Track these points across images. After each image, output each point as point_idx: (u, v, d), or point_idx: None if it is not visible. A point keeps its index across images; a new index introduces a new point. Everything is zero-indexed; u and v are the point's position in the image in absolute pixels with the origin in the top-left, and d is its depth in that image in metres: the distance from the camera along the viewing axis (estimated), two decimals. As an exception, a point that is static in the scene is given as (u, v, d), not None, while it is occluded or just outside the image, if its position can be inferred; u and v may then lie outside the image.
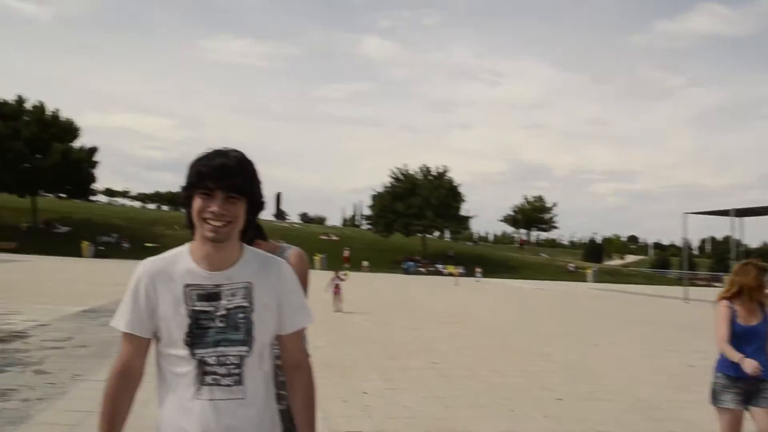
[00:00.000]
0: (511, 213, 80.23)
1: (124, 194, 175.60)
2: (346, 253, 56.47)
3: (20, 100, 52.99)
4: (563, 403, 7.28)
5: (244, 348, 1.80)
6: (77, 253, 45.58)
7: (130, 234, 55.38)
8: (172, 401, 1.83)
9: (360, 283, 31.32)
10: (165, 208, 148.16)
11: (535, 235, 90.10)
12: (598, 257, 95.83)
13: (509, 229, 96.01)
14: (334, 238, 66.99)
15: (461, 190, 63.95)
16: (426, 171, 64.36)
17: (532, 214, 77.20)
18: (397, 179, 64.54)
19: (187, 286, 1.80)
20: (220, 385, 1.79)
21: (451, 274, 48.65)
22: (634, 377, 9.27)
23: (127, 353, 1.89)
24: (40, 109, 53.07)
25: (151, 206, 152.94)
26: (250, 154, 1.85)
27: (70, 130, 54.00)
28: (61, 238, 51.06)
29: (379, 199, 63.79)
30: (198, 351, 1.78)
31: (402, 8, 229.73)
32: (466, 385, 7.97)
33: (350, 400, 6.83)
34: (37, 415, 5.58)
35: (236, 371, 1.80)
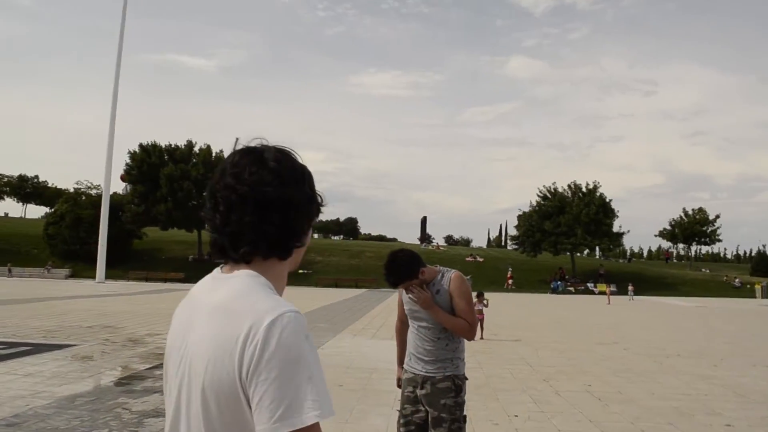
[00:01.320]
0: (668, 227, 75.34)
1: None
2: (509, 274, 55.96)
3: (190, 144, 57.96)
4: (732, 430, 6.70)
5: None
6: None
7: (284, 261, 58.20)
8: None
9: (507, 304, 30.78)
10: (316, 236, 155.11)
11: (695, 249, 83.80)
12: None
13: (665, 245, 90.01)
14: (480, 259, 66.46)
15: (613, 205, 61.18)
16: (575, 188, 62.34)
17: (692, 228, 71.88)
18: (545, 198, 63.03)
19: None
20: None
21: (602, 293, 46.52)
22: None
23: None
24: (206, 151, 57.75)
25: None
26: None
27: (225, 169, 58.11)
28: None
29: (525, 219, 62.58)
30: None
31: (547, 26, 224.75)
32: (623, 410, 7.56)
33: (500, 423, 6.71)
34: None
35: None
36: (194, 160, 56.72)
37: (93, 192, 59.83)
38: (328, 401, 1.18)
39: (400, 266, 3.72)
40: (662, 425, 6.79)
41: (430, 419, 3.82)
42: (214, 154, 57.32)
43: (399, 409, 4.00)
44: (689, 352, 13.45)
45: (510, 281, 55.53)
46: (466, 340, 3.96)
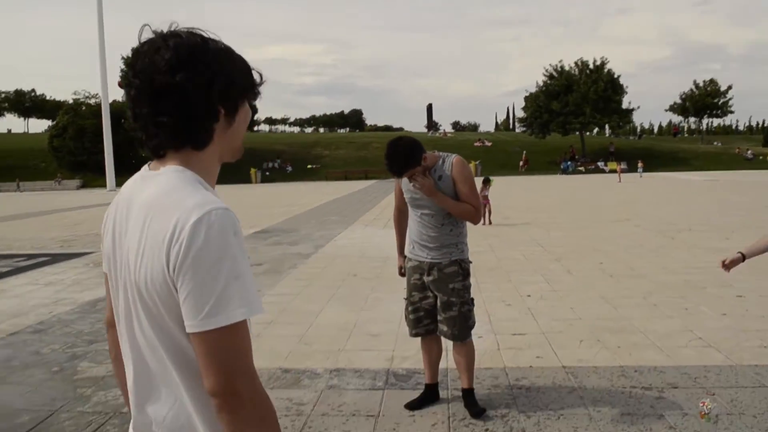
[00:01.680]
0: (679, 101, 73.86)
1: (283, 121, 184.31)
2: (525, 156, 55.67)
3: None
4: (744, 301, 6.76)
5: None
6: (246, 179, 48.81)
7: (292, 158, 58.21)
8: None
9: (517, 187, 30.81)
10: (321, 130, 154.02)
11: (707, 122, 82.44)
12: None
13: (676, 119, 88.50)
14: (488, 143, 66.03)
15: (622, 81, 59.72)
16: (582, 65, 60.68)
17: (704, 100, 70.33)
18: (551, 77, 61.55)
19: None
20: None
21: (613, 171, 46.38)
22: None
23: None
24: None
25: (309, 130, 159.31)
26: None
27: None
28: (230, 167, 53.85)
29: (532, 100, 61.47)
30: None
31: None
32: (635, 285, 7.64)
33: (513, 304, 6.80)
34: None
35: None
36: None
37: (92, 101, 59.08)
38: (257, 299, 1.17)
39: (403, 154, 3.63)
40: (674, 298, 6.87)
41: (439, 304, 3.85)
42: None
43: (406, 297, 4.01)
44: (701, 226, 13.48)
45: (525, 164, 55.19)
46: (469, 225, 3.96)
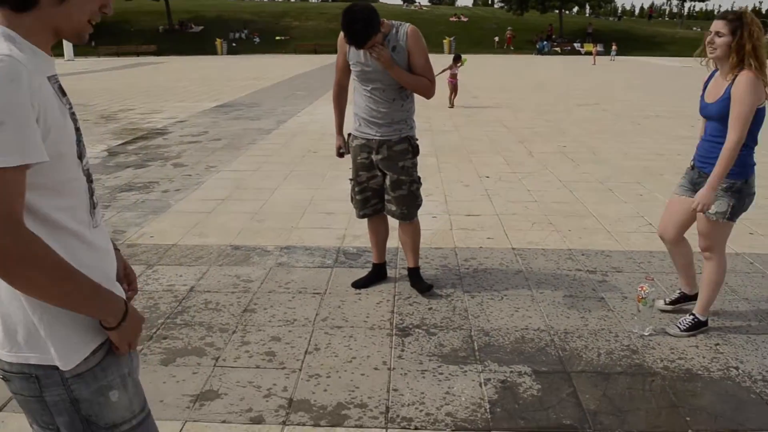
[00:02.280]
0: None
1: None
2: (509, 33, 53.82)
3: None
4: (700, 186, 6.82)
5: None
6: (212, 51, 46.96)
7: (260, 28, 55.91)
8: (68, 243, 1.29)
9: (490, 66, 30.21)
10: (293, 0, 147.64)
11: (688, 6, 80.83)
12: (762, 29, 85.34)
13: (659, 1, 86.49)
14: (464, 19, 63.96)
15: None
16: (567, -63, 57.96)
17: (687, -19, 68.42)
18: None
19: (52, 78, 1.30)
20: (98, 204, 1.43)
21: (589, 53, 45.60)
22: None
23: None
24: None
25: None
26: None
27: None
28: (195, 37, 52.55)
29: (512, -26, 59.08)
30: (84, 162, 1.36)
31: None
32: (594, 170, 7.64)
33: (471, 185, 6.78)
34: (175, 204, 6.03)
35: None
36: None
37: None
38: (25, 147, 1.12)
39: (363, 22, 3.35)
40: (630, 184, 6.90)
41: (388, 183, 3.75)
42: None
43: (352, 177, 3.90)
44: (669, 113, 13.43)
45: (509, 41, 53.61)
46: (428, 102, 3.84)
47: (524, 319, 3.59)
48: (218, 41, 47.87)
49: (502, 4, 62.64)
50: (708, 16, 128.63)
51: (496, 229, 5.24)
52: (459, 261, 4.51)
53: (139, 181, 6.98)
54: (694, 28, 74.61)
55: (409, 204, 3.79)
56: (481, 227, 5.30)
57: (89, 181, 1.36)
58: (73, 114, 1.32)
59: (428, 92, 3.67)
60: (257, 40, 52.39)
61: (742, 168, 3.18)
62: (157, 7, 56.18)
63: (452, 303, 3.80)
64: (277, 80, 21.65)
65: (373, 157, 3.72)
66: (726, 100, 3.09)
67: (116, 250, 1.52)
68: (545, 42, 53.12)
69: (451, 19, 63.16)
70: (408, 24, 3.62)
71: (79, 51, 44.75)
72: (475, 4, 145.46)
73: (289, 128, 10.72)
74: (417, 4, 79.21)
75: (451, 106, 13.84)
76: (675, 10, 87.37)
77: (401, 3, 77.81)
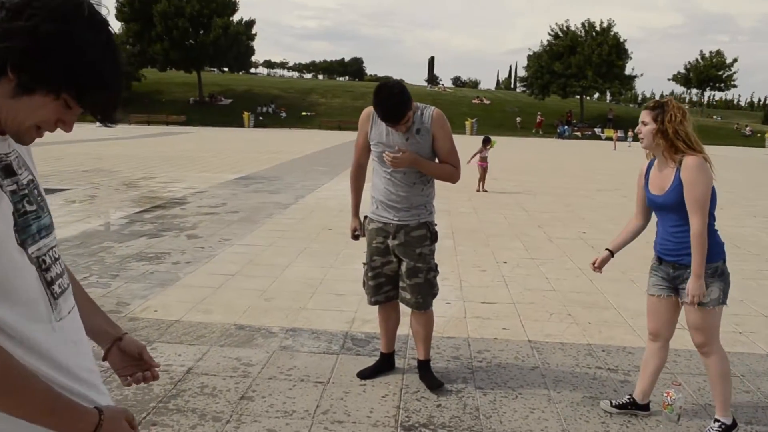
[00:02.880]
0: (683, 71, 72.74)
1: (282, 65, 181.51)
2: (539, 118, 54.40)
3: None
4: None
5: (54, 235, 1.29)
6: (239, 123, 48.09)
7: (288, 103, 57.32)
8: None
9: (511, 149, 30.44)
10: (320, 77, 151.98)
11: (708, 95, 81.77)
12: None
13: (678, 90, 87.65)
14: (486, 101, 65.19)
15: (627, 46, 58.61)
16: (589, 27, 59.44)
17: (708, 72, 69.19)
18: (556, 37, 60.35)
19: None
20: (65, 291, 1.28)
21: (609, 138, 45.93)
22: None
23: None
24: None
25: (308, 76, 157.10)
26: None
27: (228, 5, 55.36)
28: (224, 110, 53.97)
29: (535, 59, 60.35)
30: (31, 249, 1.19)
31: None
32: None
33: (488, 270, 6.59)
34: (184, 277, 5.90)
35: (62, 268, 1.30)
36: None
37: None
38: None
39: (400, 99, 3.28)
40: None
41: (404, 269, 3.58)
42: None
43: (365, 261, 3.73)
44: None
45: (538, 125, 54.09)
46: (449, 185, 3.85)
47: (540, 422, 3.34)
48: (245, 114, 49.04)
49: (524, 89, 63.75)
50: (728, 105, 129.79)
51: (513, 319, 5.02)
52: (472, 353, 4.28)
53: (151, 251, 6.89)
54: (715, 117, 75.23)
55: (425, 293, 3.62)
56: (497, 316, 5.09)
57: (43, 269, 1.20)
58: (18, 194, 1.18)
59: (453, 178, 3.60)
60: (284, 114, 53.60)
61: (717, 248, 3.10)
62: (189, 79, 58.06)
63: (463, 400, 3.56)
64: (299, 155, 21.92)
65: (390, 242, 3.58)
66: (678, 187, 3.03)
67: (123, 334, 1.47)
68: (566, 126, 53.69)
69: (473, 101, 64.40)
70: (433, 107, 3.55)
71: (111, 119, 46.10)
72: (497, 87, 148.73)
73: (307, 203, 10.69)
74: (441, 85, 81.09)
75: (479, 190, 13.33)
76: (695, 98, 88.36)
77: (425, 84, 79.74)
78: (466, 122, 48.45)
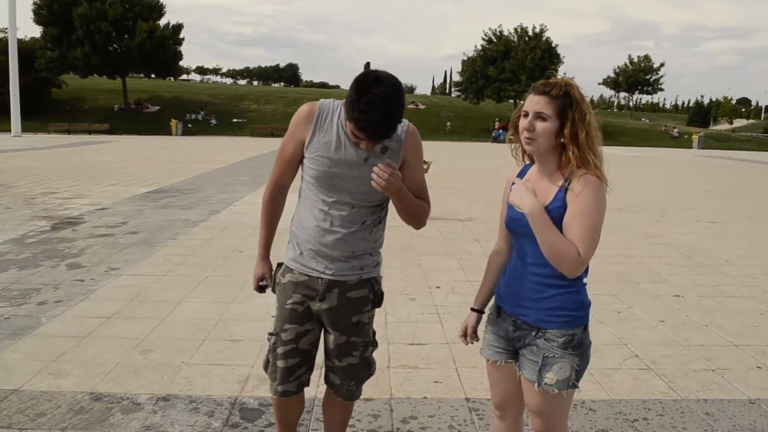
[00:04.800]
0: (612, 75, 74.39)
1: (215, 71, 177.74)
2: (497, 124, 53.66)
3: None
4: (682, 302, 5.88)
5: None
6: (167, 131, 46.05)
7: (218, 110, 55.49)
8: None
9: (445, 153, 29.87)
10: (255, 83, 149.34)
11: (636, 98, 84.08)
12: (705, 122, 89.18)
13: (608, 93, 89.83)
14: (422, 106, 64.90)
15: (559, 51, 59.39)
16: (522, 32, 59.94)
17: (636, 76, 71.05)
18: (490, 42, 60.62)
19: None
20: None
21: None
22: (762, 265, 7.67)
23: None
24: (123, -13, 51.98)
25: (242, 82, 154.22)
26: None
27: (154, 8, 53.17)
28: (151, 117, 51.72)
29: (469, 64, 60.50)
30: None
31: None
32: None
33: (418, 298, 5.70)
34: (47, 323, 4.77)
35: None
36: (111, -1, 51.44)
37: (1, 36, 54.39)
38: None
39: (398, 109, 2.18)
40: (605, 297, 5.90)
41: (333, 345, 2.53)
42: (133, -10, 51.85)
43: (273, 331, 2.57)
44: (630, 206, 12.74)
45: (500, 128, 53.47)
46: None
47: None
48: (173, 122, 47.07)
49: (459, 93, 63.81)
50: (654, 108, 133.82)
51: (446, 367, 4.12)
52: (394, 422, 3.35)
53: (17, 287, 5.70)
54: (643, 119, 77.19)
55: (360, 377, 2.61)
56: (427, 363, 4.18)
57: None
58: None
59: (423, 221, 2.54)
60: (213, 121, 51.79)
61: (581, 310, 2.17)
62: (114, 86, 55.54)
63: (379, 504, 2.63)
64: (224, 164, 20.65)
65: (315, 304, 2.48)
66: (558, 209, 2.09)
67: None
68: (502, 130, 53.77)
69: (409, 106, 63.97)
70: (406, 121, 2.40)
71: (28, 127, 43.40)
72: (433, 92, 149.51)
73: (220, 220, 9.58)
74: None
75: None
76: (623, 102, 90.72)
77: (361, 89, 78.77)
78: (402, 127, 47.76)
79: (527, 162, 2.35)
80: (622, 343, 4.70)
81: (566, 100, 2.11)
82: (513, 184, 2.21)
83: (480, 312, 2.49)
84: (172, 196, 12.15)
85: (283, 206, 2.67)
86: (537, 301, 2.16)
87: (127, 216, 9.73)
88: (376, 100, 2.09)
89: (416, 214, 2.47)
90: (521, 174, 2.36)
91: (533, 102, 2.15)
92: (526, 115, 2.16)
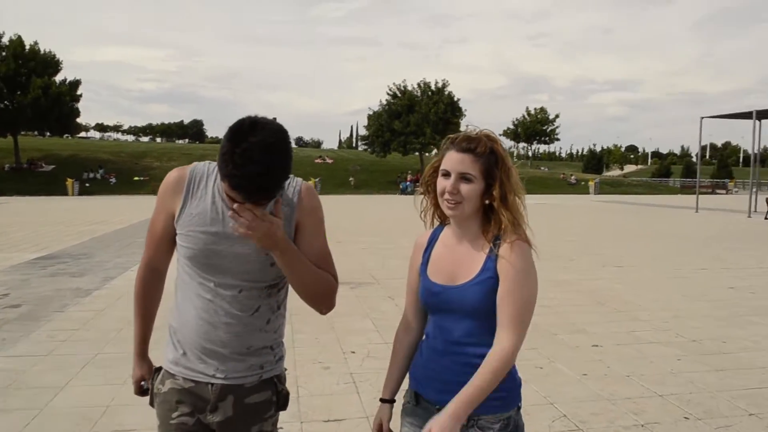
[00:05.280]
0: (512, 126, 77.69)
1: (116, 128, 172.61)
2: (409, 177, 53.75)
3: (-5, 35, 49.69)
4: (602, 352, 5.80)
5: None
6: (62, 191, 43.79)
7: (118, 168, 53.50)
8: None
9: (354, 207, 29.79)
10: (159, 140, 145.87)
11: (534, 148, 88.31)
12: (599, 169, 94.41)
13: (508, 144, 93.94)
14: (329, 161, 65.14)
15: (461, 105, 61.46)
16: (425, 86, 61.68)
17: (534, 126, 74.58)
18: (394, 96, 61.95)
19: None
20: None
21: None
22: (672, 307, 7.80)
23: None
24: (17, 42, 49.73)
25: (145, 139, 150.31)
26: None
27: (50, 64, 51.01)
28: (45, 177, 49.14)
29: (375, 118, 61.47)
30: None
31: None
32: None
33: (333, 366, 5.32)
34: None
35: None
36: (2, 54, 49.11)
37: None
38: None
39: (284, 164, 1.74)
40: (526, 351, 5.70)
41: None
42: (27, 47, 49.79)
43: None
44: (539, 253, 12.88)
45: (413, 180, 53.83)
46: None
47: None
48: (69, 181, 44.88)
49: (366, 147, 64.54)
50: (551, 157, 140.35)
51: (366, 446, 3.76)
52: None
53: None
54: (542, 168, 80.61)
55: None
56: (345, 443, 3.80)
57: None
58: None
59: (330, 297, 2.00)
60: (113, 180, 49.84)
61: (514, 389, 1.92)
62: (4, 144, 52.57)
63: None
64: (122, 224, 19.61)
65: (206, 417, 1.98)
66: (489, 281, 1.84)
67: None
68: (408, 182, 54.54)
69: (316, 160, 64.15)
70: (299, 180, 1.99)
71: None
72: (340, 146, 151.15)
73: (115, 287, 8.86)
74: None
75: None
76: (522, 152, 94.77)
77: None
78: (310, 181, 47.66)
79: (437, 224, 2.09)
80: (548, 402, 4.50)
81: (492, 158, 1.89)
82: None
83: (391, 402, 2.11)
84: (63, 262, 11.24)
85: (160, 292, 2.18)
86: (455, 383, 1.83)
87: (9, 287, 8.83)
88: (254, 149, 1.65)
89: (316, 287, 1.94)
90: (433, 237, 2.10)
91: (455, 160, 1.88)
92: (446, 174, 1.90)
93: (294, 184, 1.96)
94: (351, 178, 54.15)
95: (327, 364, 5.38)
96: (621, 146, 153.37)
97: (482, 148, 1.88)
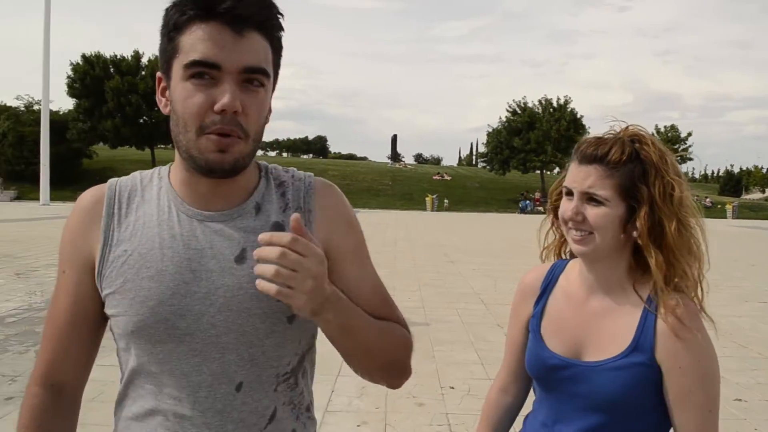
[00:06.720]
0: (640, 145, 73.98)
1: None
2: (537, 195, 53.11)
3: (137, 56, 53.70)
4: (746, 409, 4.90)
5: None
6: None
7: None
8: None
9: (471, 224, 29.11)
10: (285, 155, 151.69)
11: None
12: (737, 191, 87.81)
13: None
14: (447, 177, 64.74)
15: (584, 123, 59.28)
16: (546, 103, 60.07)
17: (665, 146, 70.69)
18: (514, 113, 60.80)
19: None
20: None
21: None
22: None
23: None
24: (155, 62, 53.29)
25: (272, 154, 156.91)
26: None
27: (183, 83, 54.49)
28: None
29: (494, 135, 60.58)
30: None
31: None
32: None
33: (427, 403, 4.80)
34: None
35: None
36: (142, 73, 52.83)
37: (36, 107, 55.99)
38: None
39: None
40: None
41: None
42: (163, 66, 53.27)
43: None
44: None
45: (536, 201, 52.83)
46: None
47: None
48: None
49: (485, 164, 63.66)
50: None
51: None
52: None
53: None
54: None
55: None
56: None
57: None
58: None
59: (408, 364, 1.24)
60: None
61: None
62: (143, 157, 56.61)
63: None
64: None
65: None
66: (639, 368, 1.28)
67: None
68: (527, 201, 53.12)
69: (434, 177, 63.96)
70: (310, 174, 1.26)
71: (60, 196, 44.02)
72: (459, 163, 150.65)
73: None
74: (402, 162, 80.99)
75: None
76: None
77: (387, 161, 79.46)
78: (427, 198, 47.51)
79: (565, 257, 1.54)
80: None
81: (635, 168, 1.30)
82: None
83: None
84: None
85: (73, 423, 1.20)
86: None
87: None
88: None
89: (387, 354, 1.17)
90: (550, 279, 1.54)
91: (579, 175, 1.33)
92: (570, 193, 1.35)
93: (303, 180, 1.21)
94: (446, 200, 53.27)
95: (421, 399, 4.88)
96: (762, 167, 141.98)
97: (617, 154, 1.29)
